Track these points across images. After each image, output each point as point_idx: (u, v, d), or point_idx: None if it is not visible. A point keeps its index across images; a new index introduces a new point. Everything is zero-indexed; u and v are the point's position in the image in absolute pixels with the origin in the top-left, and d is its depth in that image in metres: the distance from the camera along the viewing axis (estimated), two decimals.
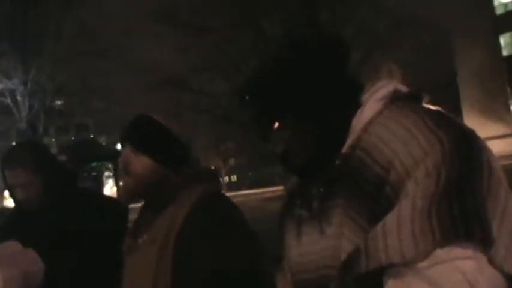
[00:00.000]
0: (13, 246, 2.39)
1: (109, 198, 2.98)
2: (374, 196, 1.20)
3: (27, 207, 2.53)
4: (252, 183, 47.39)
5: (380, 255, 1.12)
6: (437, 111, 1.27)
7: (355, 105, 1.34)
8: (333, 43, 1.40)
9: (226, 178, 57.40)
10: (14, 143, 2.80)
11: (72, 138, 44.71)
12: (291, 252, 1.44)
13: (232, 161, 53.64)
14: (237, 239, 1.83)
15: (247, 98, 1.42)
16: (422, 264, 1.09)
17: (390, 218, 1.14)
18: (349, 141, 1.30)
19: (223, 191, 2.12)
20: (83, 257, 2.37)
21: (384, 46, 15.99)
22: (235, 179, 59.48)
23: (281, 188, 33.50)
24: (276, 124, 1.37)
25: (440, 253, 1.08)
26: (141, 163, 1.94)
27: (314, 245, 1.33)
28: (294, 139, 1.36)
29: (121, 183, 2.04)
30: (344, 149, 1.30)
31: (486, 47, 35.44)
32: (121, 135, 2.04)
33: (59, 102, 30.66)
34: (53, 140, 42.93)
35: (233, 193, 42.14)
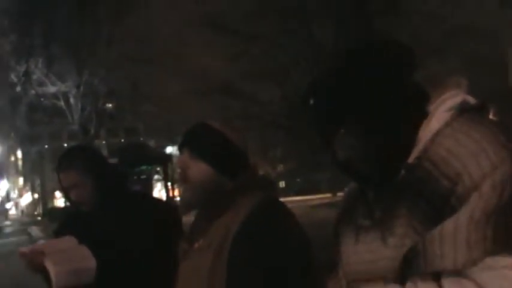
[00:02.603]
0: (69, 241, 2.47)
1: (158, 200, 3.06)
2: (439, 208, 1.21)
3: (81, 208, 2.61)
4: (299, 189, 47.18)
5: (436, 261, 1.19)
6: (505, 125, 1.27)
7: (422, 115, 1.32)
8: (401, 50, 1.37)
9: (282, 183, 57.33)
10: (67, 147, 2.93)
11: (122, 141, 45.36)
12: (349, 259, 1.42)
13: (280, 167, 53.50)
14: (293, 248, 1.82)
15: (311, 102, 1.39)
16: (473, 269, 1.15)
17: (448, 225, 1.18)
18: (415, 152, 1.28)
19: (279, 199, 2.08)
20: (132, 257, 2.41)
21: (438, 55, 15.66)
22: (283, 185, 59.36)
23: (328, 195, 33.33)
24: (341, 130, 1.34)
25: (489, 261, 1.14)
26: (198, 169, 1.94)
27: (374, 254, 1.32)
28: (359, 146, 1.33)
29: (179, 193, 2.08)
30: (410, 159, 1.28)
31: None
32: (180, 141, 2.06)
33: (110, 105, 31.22)
34: (104, 142, 43.60)
35: (281, 199, 41.89)
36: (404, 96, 1.33)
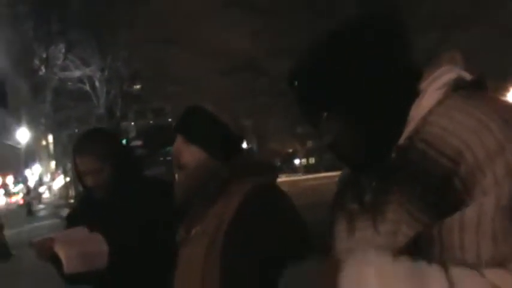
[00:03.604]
0: (80, 231, 2.45)
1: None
2: (439, 189, 1.11)
3: (96, 194, 2.57)
4: (329, 165, 47.03)
5: (456, 252, 1.08)
6: (507, 102, 1.19)
7: (412, 94, 1.25)
8: (388, 27, 1.29)
9: (304, 160, 57.37)
10: (84, 130, 2.85)
11: (151, 122, 45.64)
12: (340, 245, 1.37)
13: (310, 144, 53.36)
14: (287, 234, 1.78)
15: (295, 84, 1.34)
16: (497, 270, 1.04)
17: (470, 212, 1.07)
18: (406, 133, 1.21)
19: (277, 183, 2.04)
20: (146, 242, 2.39)
21: (462, 26, 15.19)
22: (313, 161, 59.33)
23: None
24: (324, 114, 1.29)
25: None
26: (191, 154, 1.93)
27: (368, 243, 1.25)
28: (343, 131, 1.28)
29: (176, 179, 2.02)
30: (401, 141, 1.21)
31: None
32: (173, 127, 2.05)
33: (138, 86, 31.38)
34: (132, 124, 43.99)
35: (310, 175, 41.95)
36: (393, 75, 1.25)
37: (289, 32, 19.76)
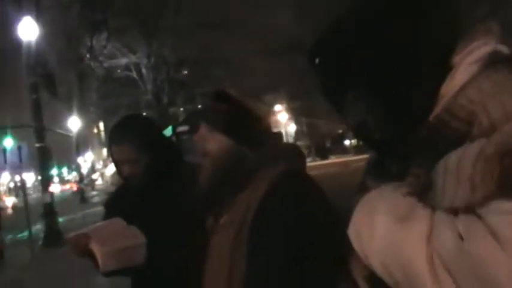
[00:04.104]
0: (117, 223, 2.36)
1: None
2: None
3: (133, 183, 2.49)
4: None
5: (438, 195, 1.03)
6: None
7: (444, 70, 1.13)
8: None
9: (354, 141, 57.20)
10: (122, 117, 2.73)
11: (199, 107, 45.88)
12: None
13: None
14: (315, 222, 1.72)
15: (317, 62, 1.25)
16: (482, 211, 0.97)
17: (452, 156, 1.01)
18: (436, 111, 1.10)
19: (306, 167, 1.99)
20: (183, 234, 2.24)
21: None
22: (356, 143, 59.17)
23: None
24: (350, 94, 1.20)
25: (506, 205, 0.94)
26: (216, 142, 1.88)
27: None
28: (370, 112, 1.18)
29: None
30: (430, 119, 1.10)
31: None
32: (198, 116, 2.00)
33: (185, 72, 31.55)
34: (181, 109, 44.38)
35: (361, 156, 41.66)
36: (423, 50, 1.14)
37: (337, 12, 19.47)
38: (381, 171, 1.27)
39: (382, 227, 1.08)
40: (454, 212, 1.01)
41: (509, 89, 1.02)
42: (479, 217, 0.97)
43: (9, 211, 37.89)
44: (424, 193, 1.07)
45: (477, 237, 0.96)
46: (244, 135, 1.89)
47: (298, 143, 55.60)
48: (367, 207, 1.15)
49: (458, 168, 1.00)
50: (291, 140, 52.67)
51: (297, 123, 50.48)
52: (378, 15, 1.17)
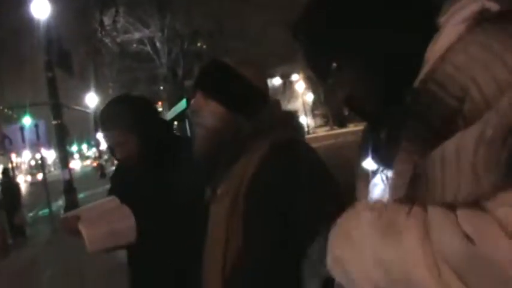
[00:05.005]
0: (110, 202, 2.45)
1: None
2: (443, 134, 0.96)
3: (127, 164, 2.55)
4: None
5: (437, 190, 0.95)
6: None
7: (429, 31, 1.08)
8: None
9: None
10: (109, 102, 2.70)
11: None
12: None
13: None
14: (309, 191, 1.70)
15: (299, 31, 1.23)
16: (489, 204, 0.90)
17: (450, 144, 0.94)
18: (421, 75, 1.05)
19: (304, 135, 2.00)
20: (177, 212, 2.30)
21: None
22: None
23: None
24: (334, 65, 1.17)
25: (504, 196, 0.89)
26: (211, 109, 1.86)
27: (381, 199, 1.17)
28: (356, 82, 1.16)
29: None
30: (415, 84, 1.05)
31: None
32: (193, 83, 1.98)
33: (199, 44, 31.42)
34: None
35: None
36: (403, 12, 1.12)
37: None
38: (372, 143, 1.25)
39: (368, 245, 1.03)
40: (451, 207, 0.95)
41: (498, 53, 0.95)
42: (486, 211, 0.91)
43: (29, 188, 38.39)
44: (416, 186, 1.01)
45: (488, 236, 0.89)
46: (239, 103, 1.86)
47: (316, 112, 55.52)
48: (344, 229, 1.10)
49: (458, 157, 0.93)
50: (308, 110, 52.51)
51: (314, 92, 50.17)
52: None
